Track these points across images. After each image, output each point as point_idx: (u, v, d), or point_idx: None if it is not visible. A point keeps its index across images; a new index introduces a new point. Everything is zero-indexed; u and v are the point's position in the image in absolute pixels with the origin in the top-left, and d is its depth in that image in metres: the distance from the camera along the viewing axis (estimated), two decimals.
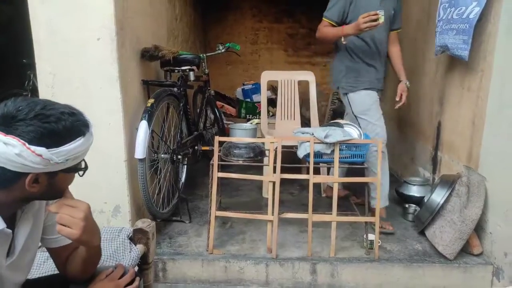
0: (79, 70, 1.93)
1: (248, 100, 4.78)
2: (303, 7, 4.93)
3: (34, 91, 4.02)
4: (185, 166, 2.78)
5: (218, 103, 4.44)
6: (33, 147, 0.83)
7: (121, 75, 1.97)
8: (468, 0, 2.10)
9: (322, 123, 3.45)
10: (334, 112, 4.35)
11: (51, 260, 1.30)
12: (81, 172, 0.99)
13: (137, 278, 1.22)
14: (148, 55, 2.25)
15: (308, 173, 2.18)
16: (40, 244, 1.15)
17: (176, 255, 2.16)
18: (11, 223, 0.96)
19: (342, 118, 2.77)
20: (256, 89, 4.83)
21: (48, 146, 0.85)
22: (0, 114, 0.84)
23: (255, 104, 4.77)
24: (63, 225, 0.94)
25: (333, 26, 2.38)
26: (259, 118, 4.70)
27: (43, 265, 1.51)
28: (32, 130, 0.83)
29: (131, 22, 2.11)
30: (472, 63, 2.26)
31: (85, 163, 0.99)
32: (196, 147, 2.82)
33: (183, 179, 2.77)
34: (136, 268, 1.49)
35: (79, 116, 0.92)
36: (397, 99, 2.53)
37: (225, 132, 3.51)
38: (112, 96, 1.95)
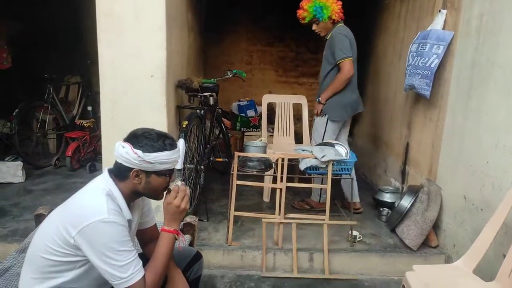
0: (135, 99, 2.46)
1: (243, 115, 5.37)
2: (292, 33, 5.52)
3: (53, 103, 4.37)
4: (202, 174, 3.32)
5: None
6: (135, 150, 1.36)
7: (167, 104, 2.51)
8: (430, 53, 2.78)
9: (310, 134, 3.98)
10: None
11: None
12: (169, 184, 1.50)
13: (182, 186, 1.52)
14: (185, 86, 2.79)
15: (303, 182, 2.78)
16: None
17: (202, 246, 2.70)
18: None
19: None
20: (251, 105, 5.43)
21: (144, 150, 1.36)
22: (131, 133, 1.43)
23: (249, 118, 5.38)
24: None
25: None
26: (253, 131, 5.30)
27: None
28: (140, 141, 1.38)
29: (172, 61, 2.66)
30: (433, 100, 2.94)
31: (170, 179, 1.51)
32: (211, 158, 3.37)
33: (201, 185, 3.31)
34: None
35: (170, 139, 1.45)
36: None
37: (230, 144, 4.07)
38: (161, 121, 2.49)
